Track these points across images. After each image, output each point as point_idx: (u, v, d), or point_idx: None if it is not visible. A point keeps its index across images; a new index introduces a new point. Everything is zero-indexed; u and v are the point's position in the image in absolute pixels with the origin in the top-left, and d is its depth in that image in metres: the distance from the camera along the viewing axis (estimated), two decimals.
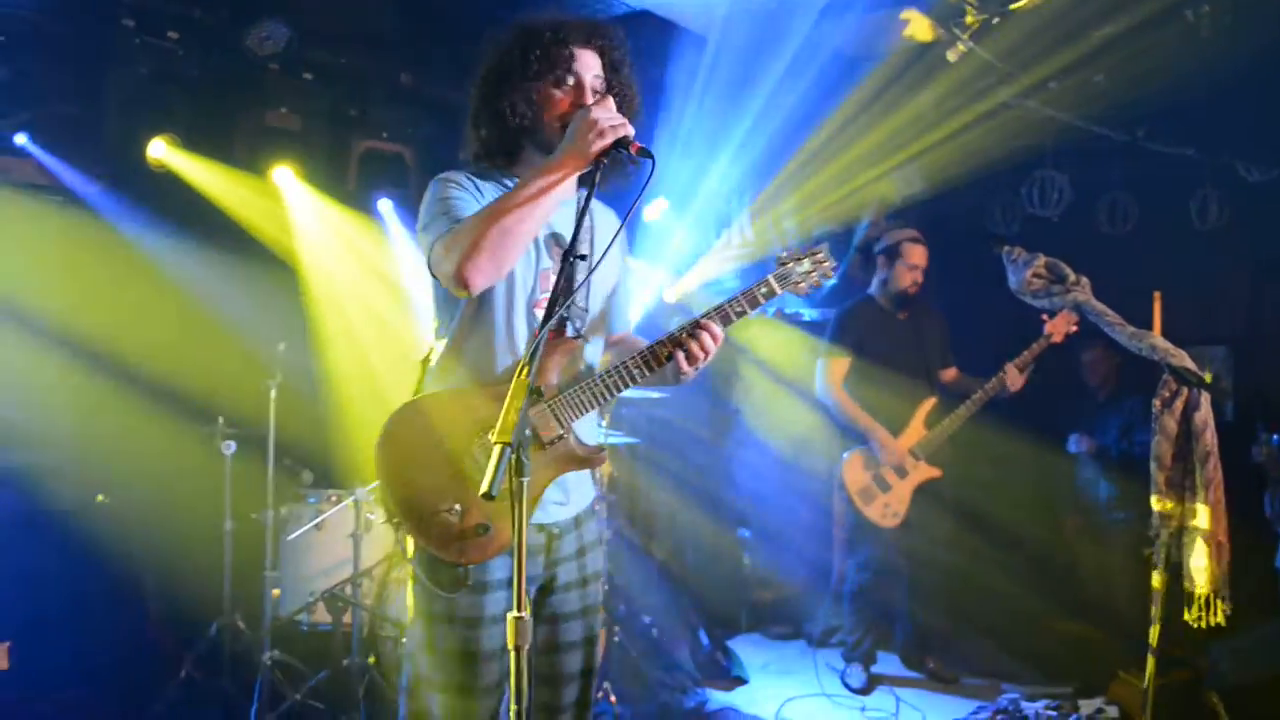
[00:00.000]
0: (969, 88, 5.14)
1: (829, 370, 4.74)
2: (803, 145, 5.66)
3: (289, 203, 5.09)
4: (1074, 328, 4.48)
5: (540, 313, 2.26)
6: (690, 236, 6.47)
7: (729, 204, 6.39)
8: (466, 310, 2.26)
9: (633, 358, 2.25)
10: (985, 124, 5.33)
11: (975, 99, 5.23)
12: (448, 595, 2.19)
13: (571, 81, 2.21)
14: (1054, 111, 5.29)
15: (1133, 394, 5.23)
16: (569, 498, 2.34)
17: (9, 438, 4.46)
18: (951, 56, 4.91)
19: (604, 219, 2.47)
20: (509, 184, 2.25)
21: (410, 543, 2.27)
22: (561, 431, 2.23)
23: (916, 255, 4.76)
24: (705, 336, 2.22)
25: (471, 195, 2.20)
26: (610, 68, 2.28)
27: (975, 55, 4.92)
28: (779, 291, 2.32)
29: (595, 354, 2.43)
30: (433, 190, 2.23)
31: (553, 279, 2.24)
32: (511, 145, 2.26)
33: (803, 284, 2.36)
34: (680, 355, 2.21)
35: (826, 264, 2.39)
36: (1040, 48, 4.83)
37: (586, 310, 2.34)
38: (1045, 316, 4.44)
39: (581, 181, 2.37)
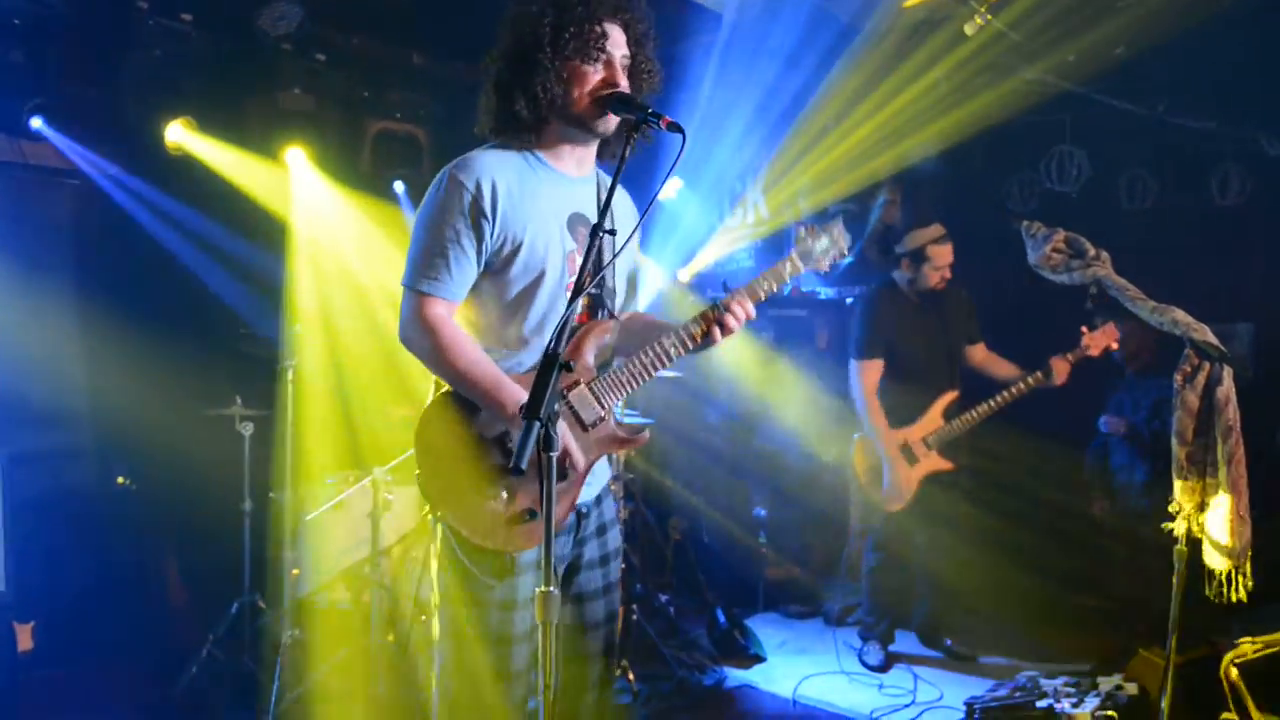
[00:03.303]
0: (986, 62, 5.08)
1: (864, 374, 4.65)
2: (817, 121, 5.62)
3: (294, 183, 5.07)
4: (1114, 345, 4.40)
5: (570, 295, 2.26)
6: (702, 215, 6.45)
7: (742, 181, 6.36)
8: (494, 298, 2.25)
9: (669, 337, 2.29)
10: (1003, 99, 5.27)
11: (993, 73, 5.17)
12: (493, 581, 2.20)
13: (603, 59, 2.20)
14: (1073, 85, 5.23)
15: (1164, 372, 5.15)
16: (593, 477, 2.36)
17: (31, 420, 4.49)
18: (969, 30, 4.86)
19: (620, 197, 2.47)
20: (530, 157, 2.26)
21: (445, 529, 2.27)
22: (603, 413, 2.25)
23: (943, 256, 4.63)
24: (738, 309, 2.29)
25: (469, 245, 2.16)
26: (635, 43, 2.27)
27: (993, 28, 4.87)
28: (802, 268, 2.42)
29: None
30: (437, 201, 2.18)
31: (578, 260, 2.26)
32: (540, 122, 2.24)
33: (823, 260, 2.46)
34: (716, 331, 2.29)
35: (842, 241, 2.48)
36: (1059, 20, 4.78)
37: (615, 291, 2.34)
38: (1085, 330, 4.40)
39: (601, 154, 2.37)
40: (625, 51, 2.24)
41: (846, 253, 2.49)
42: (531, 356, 2.25)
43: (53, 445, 4.57)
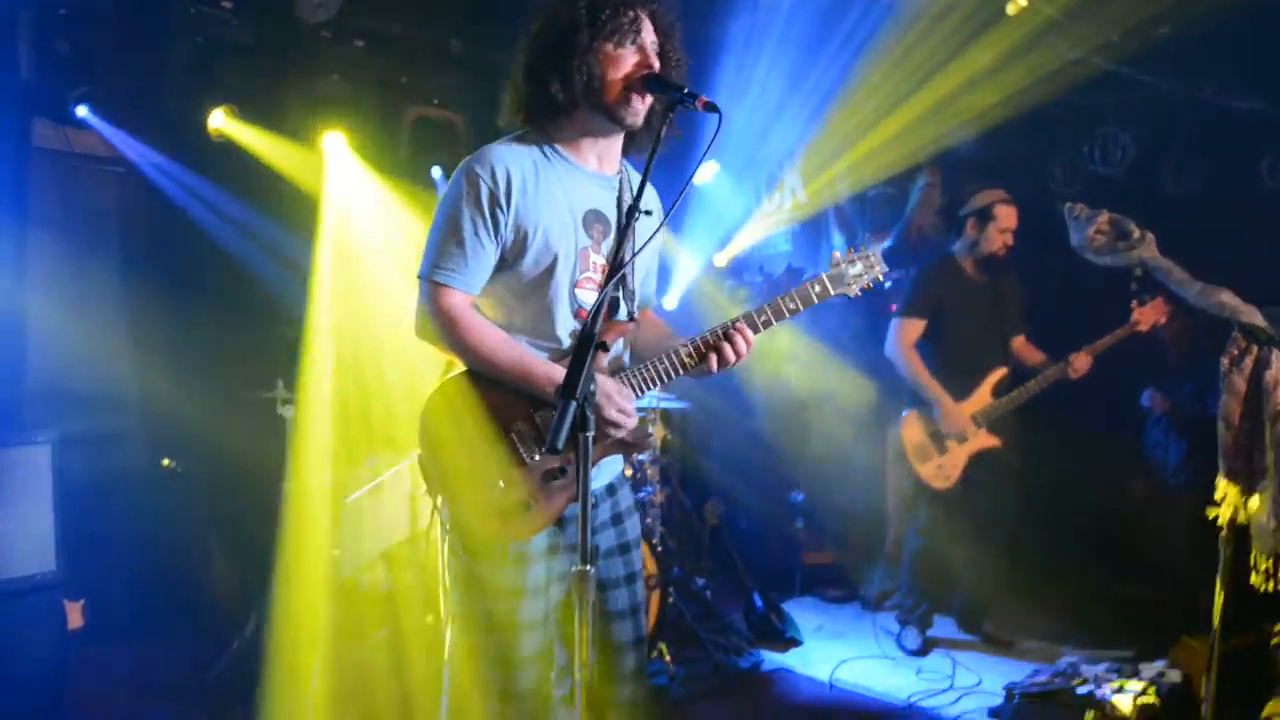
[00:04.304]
0: (1028, 43, 5.00)
1: (902, 331, 4.68)
2: (855, 103, 5.57)
3: (330, 168, 5.11)
4: (1163, 319, 4.36)
5: (581, 293, 2.26)
6: (739, 198, 6.42)
7: (779, 164, 6.32)
8: (505, 290, 2.24)
9: (662, 361, 2.26)
10: (1045, 80, 5.18)
11: (1035, 54, 5.09)
12: (490, 570, 2.20)
13: (637, 42, 2.18)
14: (1117, 66, 5.13)
15: (1208, 355, 5.06)
16: (601, 469, 2.34)
17: (79, 404, 4.58)
18: (1011, 10, 4.79)
19: (648, 192, 2.44)
20: (549, 149, 2.24)
21: (444, 516, 2.27)
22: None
23: (1009, 217, 4.63)
24: (740, 343, 2.24)
25: (486, 236, 2.15)
26: (662, 33, 2.25)
27: (1035, 9, 4.79)
28: (832, 293, 2.36)
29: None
30: (455, 193, 2.18)
31: (592, 257, 2.25)
32: (571, 105, 2.21)
33: (854, 286, 2.39)
34: (713, 358, 2.24)
35: (878, 267, 2.42)
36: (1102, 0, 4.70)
37: (634, 293, 2.33)
38: (1134, 304, 4.35)
39: (627, 149, 2.35)
40: (654, 38, 2.22)
41: (881, 278, 2.43)
42: (541, 351, 2.24)
43: (101, 429, 4.66)
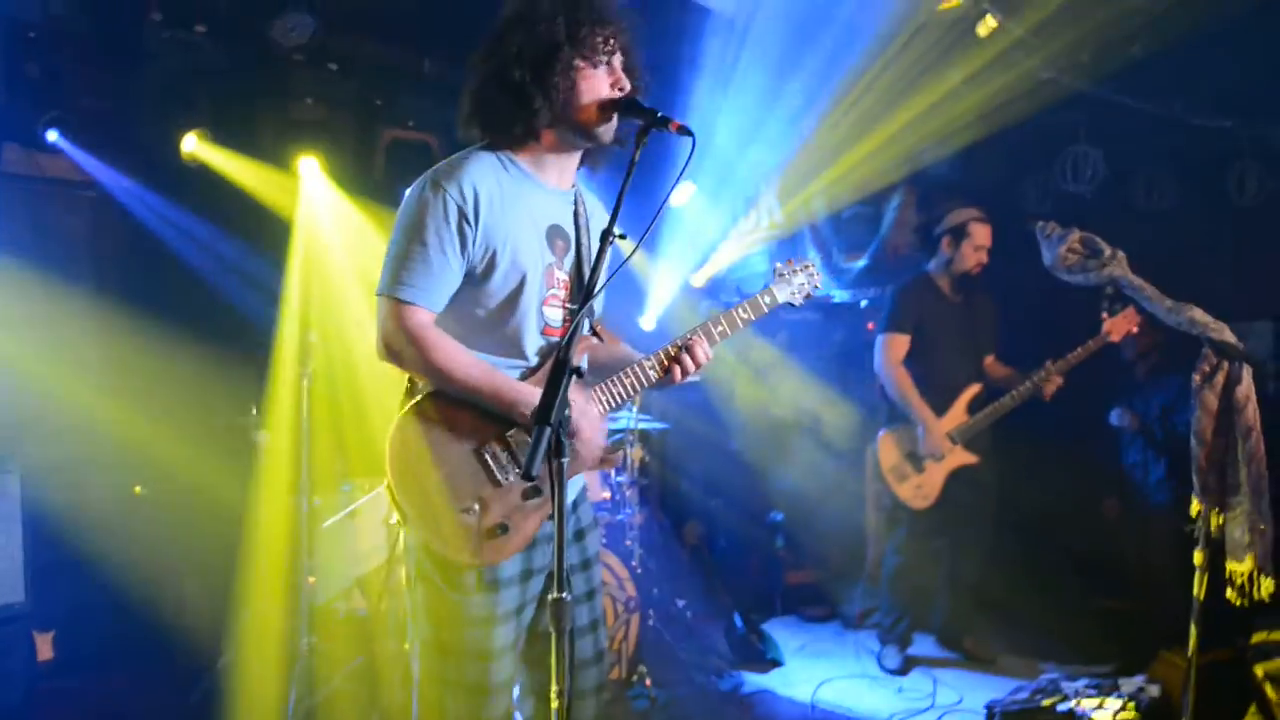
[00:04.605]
0: (999, 62, 5.06)
1: (889, 348, 4.70)
2: (830, 123, 5.61)
3: (304, 192, 5.08)
4: (1134, 329, 4.35)
5: (548, 310, 2.24)
6: (716, 219, 6.43)
7: (755, 185, 6.35)
8: (473, 307, 2.20)
9: (628, 376, 2.29)
10: (1017, 99, 5.24)
11: (1006, 74, 5.14)
12: (461, 597, 2.15)
13: (609, 63, 2.17)
14: (1088, 85, 5.20)
15: (1174, 371, 5.12)
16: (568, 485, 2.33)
17: (49, 431, 4.52)
18: (982, 31, 4.84)
19: (598, 211, 2.45)
20: (511, 166, 2.22)
21: (413, 543, 2.23)
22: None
23: (983, 235, 4.68)
24: (699, 353, 2.29)
25: (452, 253, 2.11)
26: (626, 52, 2.23)
27: (1006, 29, 4.85)
28: (779, 301, 2.48)
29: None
30: (417, 207, 2.12)
31: (557, 274, 2.24)
32: (549, 122, 2.19)
33: (797, 295, 2.53)
34: (676, 370, 2.28)
35: (816, 276, 2.58)
36: (1073, 20, 4.75)
37: (592, 310, 2.31)
38: (1105, 315, 4.35)
39: (585, 159, 2.35)
40: (622, 58, 2.21)
41: (820, 287, 2.58)
42: (509, 369, 2.22)
43: (71, 456, 4.59)
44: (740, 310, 2.39)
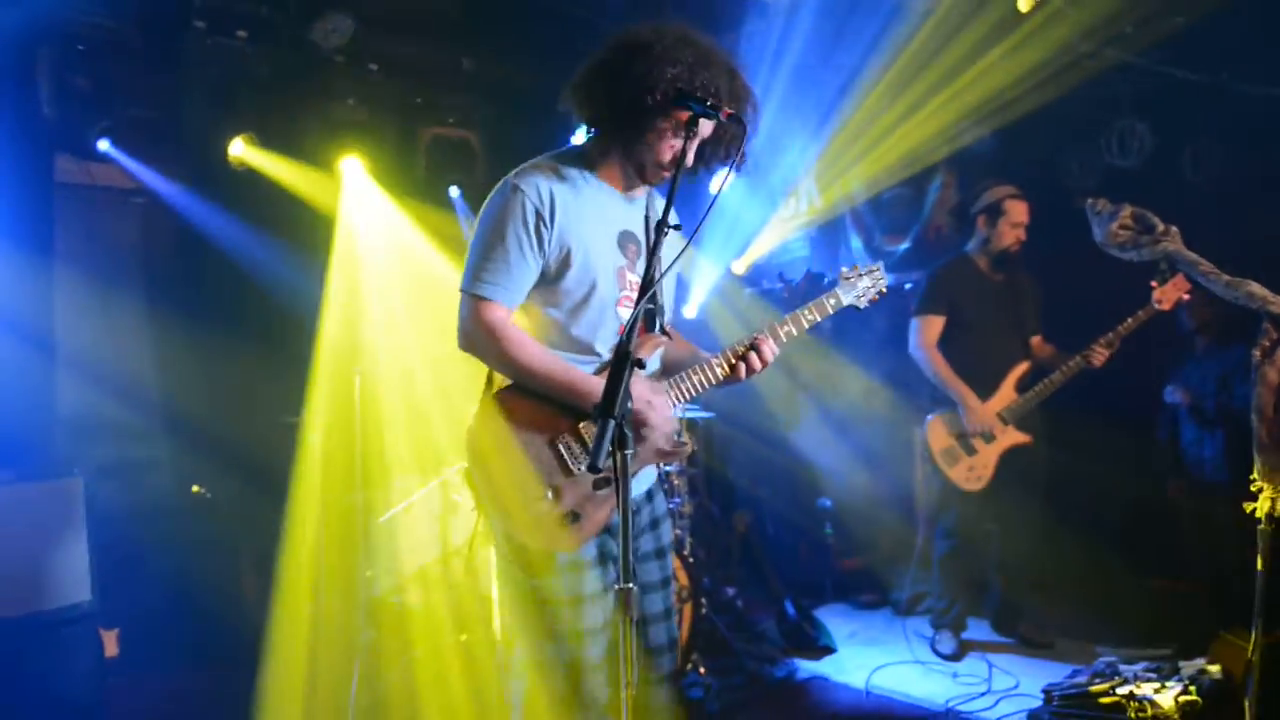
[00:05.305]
0: (1041, 36, 4.98)
1: (923, 330, 4.67)
2: (868, 104, 5.56)
3: (347, 192, 5.15)
4: (1186, 296, 4.22)
5: (622, 311, 2.32)
6: (755, 205, 6.42)
7: (793, 170, 6.32)
8: (549, 307, 2.29)
9: (697, 373, 2.36)
10: (1060, 75, 5.16)
11: (1047, 48, 5.07)
12: (538, 581, 2.23)
13: (689, 137, 2.16)
14: (1132, 57, 5.11)
15: (1233, 343, 5.01)
16: (637, 478, 2.38)
17: (110, 434, 4.63)
18: (1023, 6, 4.77)
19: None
20: (584, 172, 2.30)
21: (496, 531, 2.31)
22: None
23: (1020, 212, 4.61)
24: (766, 351, 2.36)
25: (530, 252, 2.20)
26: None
27: (1047, 4, 4.78)
28: (844, 303, 2.56)
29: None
30: (498, 208, 2.22)
31: (628, 276, 2.32)
32: (612, 157, 2.29)
33: (862, 299, 2.60)
34: (741, 367, 2.35)
35: (882, 281, 2.65)
36: None
37: (664, 308, 2.38)
38: (1154, 284, 4.25)
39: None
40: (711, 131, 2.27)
41: (885, 293, 2.65)
42: (585, 367, 2.29)
43: (131, 458, 4.71)
44: (806, 313, 2.46)
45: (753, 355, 2.34)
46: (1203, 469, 4.97)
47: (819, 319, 2.48)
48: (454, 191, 5.56)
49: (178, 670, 4.59)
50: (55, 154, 4.70)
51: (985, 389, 4.57)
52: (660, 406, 2.27)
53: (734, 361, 2.35)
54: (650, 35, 2.19)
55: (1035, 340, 4.76)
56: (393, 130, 5.52)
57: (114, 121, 4.68)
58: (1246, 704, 3.09)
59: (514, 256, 2.19)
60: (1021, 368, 4.60)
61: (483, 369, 2.37)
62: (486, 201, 2.28)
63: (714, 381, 2.36)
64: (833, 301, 2.52)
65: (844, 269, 2.60)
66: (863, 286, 2.59)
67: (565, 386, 2.20)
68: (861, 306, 2.59)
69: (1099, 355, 4.36)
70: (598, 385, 2.19)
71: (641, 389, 2.25)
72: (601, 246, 2.28)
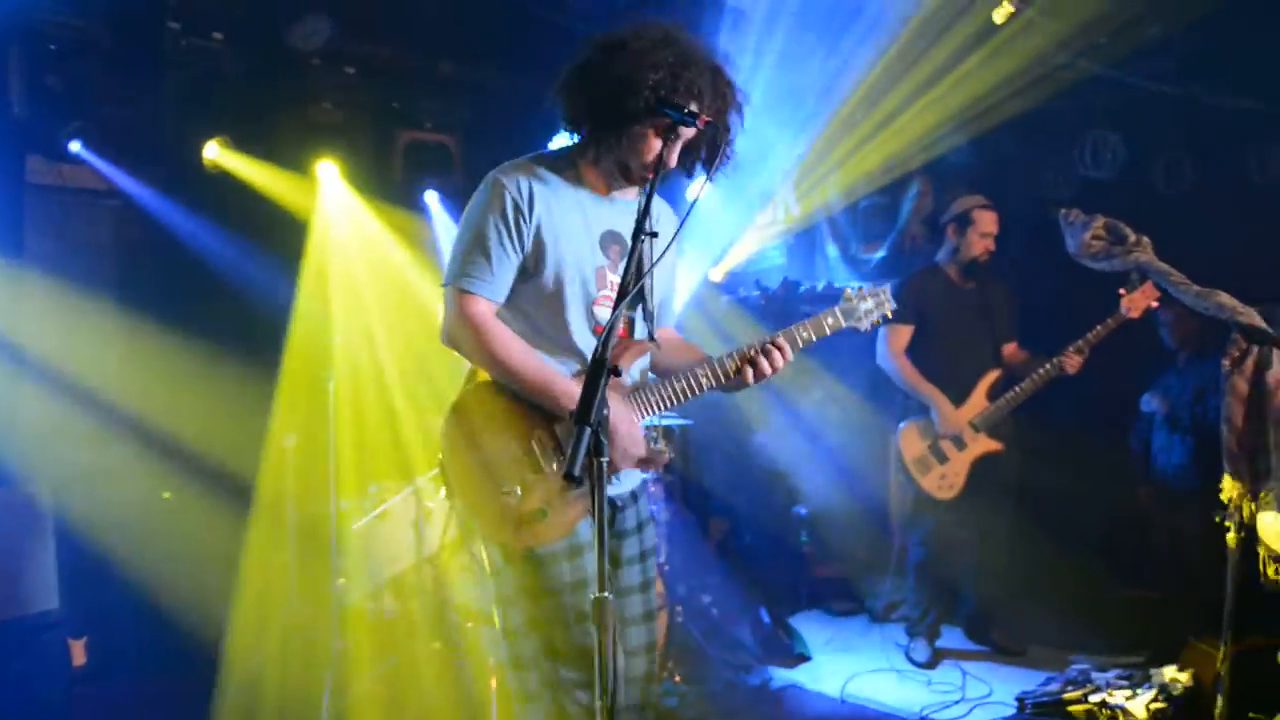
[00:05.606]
0: (1015, 47, 5.03)
1: (890, 338, 4.68)
2: (844, 113, 5.59)
3: (323, 195, 5.12)
4: (1154, 303, 4.26)
5: (599, 310, 2.31)
6: (733, 213, 6.43)
7: (772, 178, 6.34)
8: (527, 302, 2.29)
9: (702, 367, 2.33)
10: (1034, 85, 5.21)
11: (1023, 60, 5.12)
12: (502, 568, 2.24)
13: (669, 142, 2.18)
14: (1106, 69, 5.16)
15: (1209, 357, 5.04)
16: (622, 475, 2.37)
17: (78, 440, 4.57)
18: (998, 17, 4.81)
19: (661, 208, 2.49)
20: (569, 172, 2.30)
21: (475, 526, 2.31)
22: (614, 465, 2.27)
23: (988, 222, 4.64)
24: (776, 356, 2.32)
25: (510, 245, 2.20)
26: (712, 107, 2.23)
27: (1022, 15, 4.82)
28: (843, 325, 2.51)
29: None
30: (480, 203, 2.24)
31: (609, 277, 2.31)
32: (610, 161, 2.26)
33: (865, 321, 2.55)
34: (749, 371, 2.31)
35: (887, 305, 2.59)
36: (1088, 2, 4.71)
37: (653, 314, 2.37)
38: (1123, 291, 4.28)
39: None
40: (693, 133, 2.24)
41: (890, 315, 2.60)
42: (561, 365, 2.29)
43: (100, 464, 4.64)
44: (801, 329, 2.43)
45: (762, 359, 2.31)
46: (1169, 476, 5.01)
47: (814, 337, 2.44)
48: (430, 196, 5.54)
49: (145, 679, 4.53)
50: (26, 154, 4.64)
51: (957, 397, 4.59)
52: (626, 419, 2.25)
53: (732, 371, 2.32)
54: (630, 37, 2.18)
55: (1010, 347, 4.79)
56: (369, 133, 5.49)
57: (86, 122, 4.62)
58: (1217, 712, 3.12)
59: (495, 250, 2.20)
60: (992, 375, 4.63)
61: (459, 373, 2.36)
62: (473, 196, 2.29)
63: (696, 391, 2.33)
64: (831, 321, 2.48)
65: (847, 290, 2.56)
66: (864, 309, 2.55)
67: (541, 386, 2.19)
68: (864, 329, 2.56)
69: (1072, 361, 4.38)
70: (573, 389, 2.18)
71: (614, 399, 2.23)
72: (580, 245, 2.28)
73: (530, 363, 2.21)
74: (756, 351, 2.32)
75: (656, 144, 2.19)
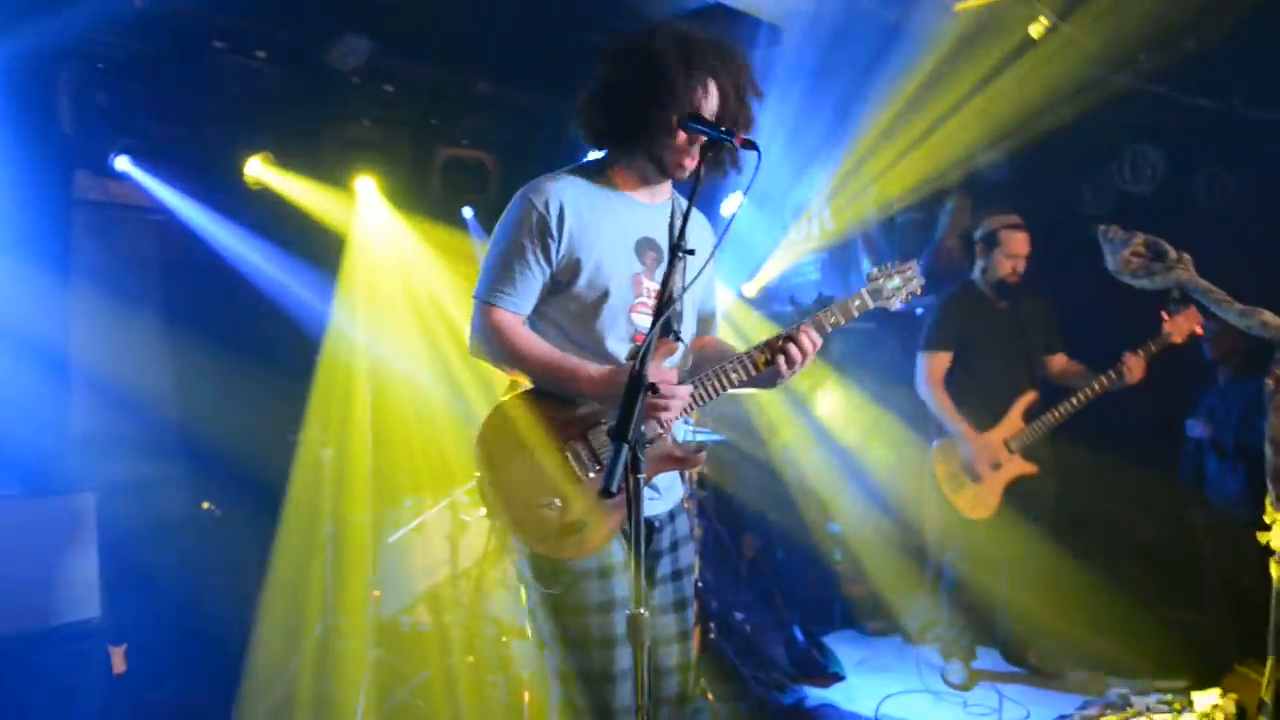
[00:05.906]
0: (1053, 63, 5.00)
1: (930, 366, 4.64)
2: (880, 128, 5.58)
3: (361, 211, 5.19)
4: (1199, 329, 4.19)
5: (636, 317, 2.32)
6: (767, 228, 6.43)
7: (805, 193, 6.33)
8: (562, 314, 2.31)
9: (731, 362, 2.31)
10: (1072, 100, 5.17)
11: (1061, 75, 5.08)
12: (547, 590, 2.23)
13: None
14: (1144, 83, 5.11)
15: (1254, 377, 4.93)
16: (661, 492, 2.38)
17: (123, 451, 4.64)
18: (1035, 32, 4.79)
19: (697, 221, 2.50)
20: (602, 181, 2.33)
21: (519, 543, 2.30)
22: (661, 431, 2.25)
23: (1017, 243, 4.58)
24: (805, 341, 2.28)
25: (536, 261, 2.24)
26: (725, 96, 2.26)
27: (1060, 30, 4.79)
28: (871, 305, 2.44)
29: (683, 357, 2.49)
30: (509, 219, 2.28)
31: (645, 283, 2.32)
32: (634, 160, 2.31)
33: (894, 299, 2.48)
34: (780, 360, 2.27)
35: (915, 280, 2.51)
36: (1126, 17, 4.68)
37: (682, 315, 2.37)
38: (1165, 315, 4.20)
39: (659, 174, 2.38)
40: (715, 105, 2.25)
41: (919, 291, 2.52)
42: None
43: (144, 474, 4.71)
44: (828, 314, 2.38)
45: (791, 347, 2.26)
46: (1227, 503, 4.90)
47: (843, 321, 2.39)
48: (467, 212, 5.60)
49: (185, 687, 4.57)
50: (74, 171, 4.75)
51: (992, 418, 4.54)
52: (666, 375, 2.23)
53: (761, 363, 2.29)
54: (643, 42, 2.21)
55: (1059, 359, 4.72)
56: (407, 150, 5.56)
57: (133, 139, 4.72)
58: None
59: (521, 265, 2.24)
60: (1029, 396, 4.57)
61: (493, 388, 2.39)
62: (505, 214, 2.33)
63: (716, 393, 2.30)
64: (858, 303, 2.42)
65: (874, 269, 2.49)
66: (892, 287, 2.47)
67: (568, 373, 2.20)
68: (894, 308, 2.48)
69: (1135, 366, 4.25)
70: (595, 371, 2.19)
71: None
72: (616, 253, 2.30)
73: (554, 353, 2.24)
74: (785, 339, 2.28)
75: (684, 138, 2.22)
